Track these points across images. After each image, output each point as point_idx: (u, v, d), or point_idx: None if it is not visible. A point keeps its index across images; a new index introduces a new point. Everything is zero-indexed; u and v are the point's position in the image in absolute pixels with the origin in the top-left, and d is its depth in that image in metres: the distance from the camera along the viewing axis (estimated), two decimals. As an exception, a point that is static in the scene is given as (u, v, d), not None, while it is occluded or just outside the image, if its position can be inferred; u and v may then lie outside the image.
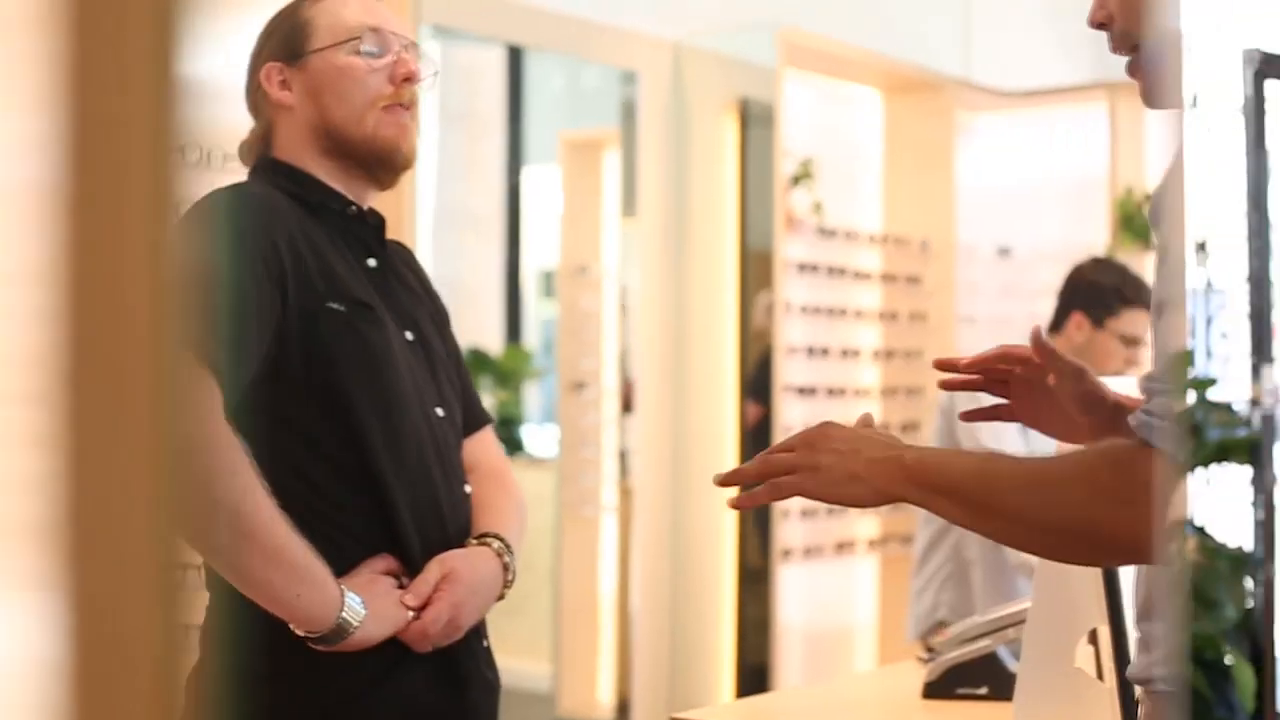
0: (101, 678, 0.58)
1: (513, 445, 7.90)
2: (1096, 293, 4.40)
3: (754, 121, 5.80)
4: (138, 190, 0.59)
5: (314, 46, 2.38)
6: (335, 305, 2.25)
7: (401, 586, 2.27)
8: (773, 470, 2.02)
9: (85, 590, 0.58)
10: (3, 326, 0.58)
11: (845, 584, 6.24)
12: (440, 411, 2.40)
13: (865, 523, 6.17)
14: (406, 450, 2.30)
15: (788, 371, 5.76)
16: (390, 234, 2.52)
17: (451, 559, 2.32)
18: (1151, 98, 2.13)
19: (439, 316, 2.55)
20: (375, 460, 2.26)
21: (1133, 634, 2.31)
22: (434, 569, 2.29)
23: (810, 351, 5.96)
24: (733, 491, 2.07)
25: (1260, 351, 4.35)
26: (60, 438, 0.57)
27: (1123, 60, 2.13)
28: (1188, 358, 1.89)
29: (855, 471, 1.96)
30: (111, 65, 0.58)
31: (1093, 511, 1.88)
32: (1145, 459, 1.84)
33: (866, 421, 2.10)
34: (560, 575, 6.56)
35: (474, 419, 2.56)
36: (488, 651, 2.46)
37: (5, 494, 0.58)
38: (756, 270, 5.80)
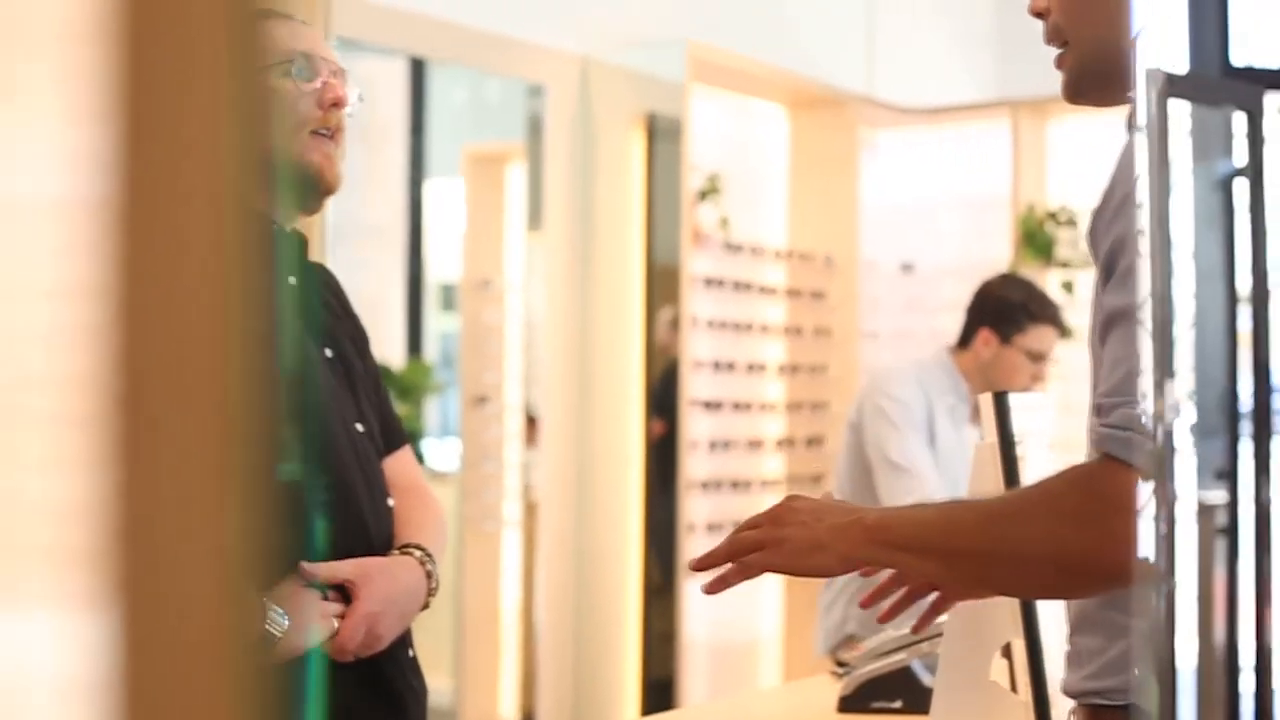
0: (157, 698, 0.56)
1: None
2: (1004, 309, 4.44)
3: (661, 136, 5.79)
4: (197, 205, 0.57)
5: None
6: None
7: (325, 598, 2.25)
8: (740, 550, 2.03)
9: (141, 612, 0.56)
10: (56, 345, 0.56)
11: (750, 599, 6.25)
12: (360, 427, 2.40)
13: (770, 538, 6.16)
14: (329, 463, 2.29)
15: (694, 386, 5.76)
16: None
17: (369, 568, 2.30)
18: (1070, 93, 2.16)
19: (359, 337, 2.56)
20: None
21: (1061, 647, 2.31)
22: (347, 571, 2.27)
23: (716, 366, 5.97)
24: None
25: (1163, 368, 4.38)
26: (113, 459, 0.56)
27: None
28: (1165, 365, 1.90)
29: (819, 540, 1.97)
30: (172, 77, 0.56)
31: (1060, 537, 1.88)
32: (1109, 475, 1.85)
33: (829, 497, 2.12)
34: (462, 590, 6.51)
35: (393, 438, 2.56)
36: (413, 661, 2.45)
37: (58, 516, 0.57)
38: (662, 285, 5.80)
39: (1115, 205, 1.95)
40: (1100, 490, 1.85)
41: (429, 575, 2.40)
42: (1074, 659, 2.09)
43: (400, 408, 8.30)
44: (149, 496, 0.55)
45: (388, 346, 8.60)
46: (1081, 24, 2.12)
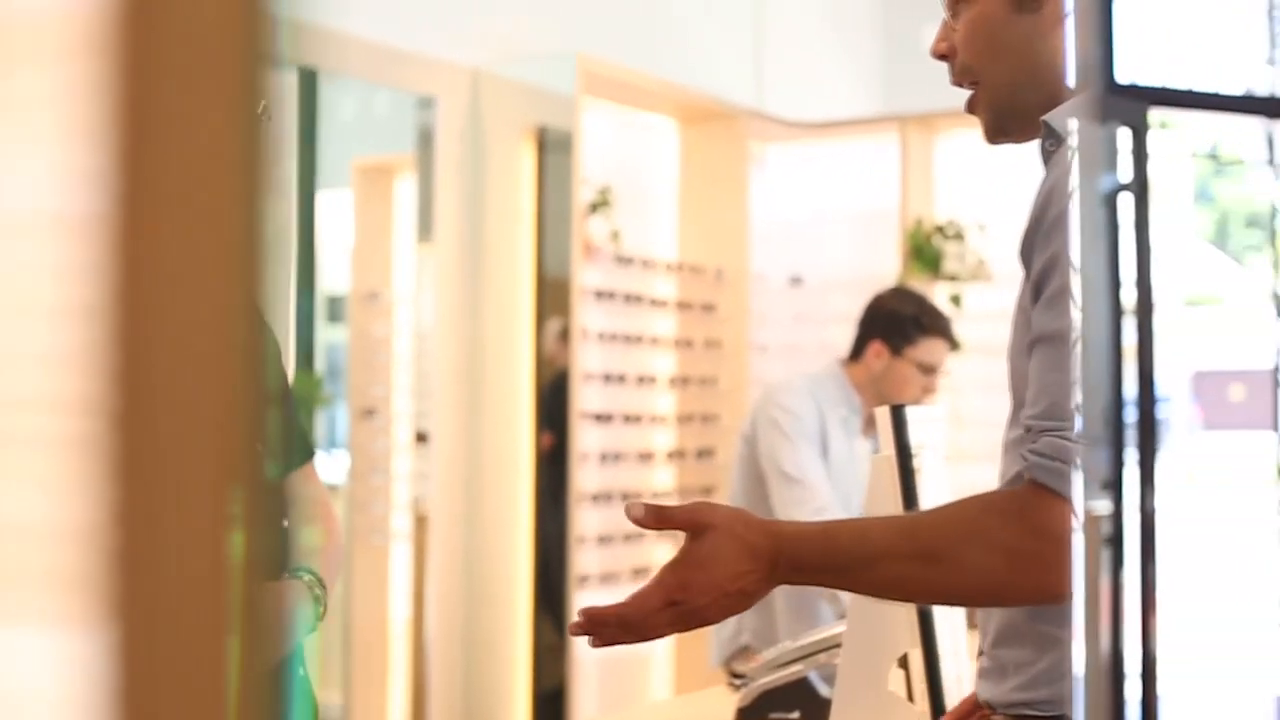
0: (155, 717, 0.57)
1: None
2: (895, 322, 4.48)
3: (552, 149, 5.80)
4: (200, 220, 0.57)
5: None
6: None
7: None
8: (660, 634, 2.02)
9: (138, 632, 0.56)
10: (54, 366, 0.56)
11: (641, 611, 6.25)
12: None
13: (662, 549, 6.19)
14: None
15: (584, 398, 5.76)
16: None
17: None
18: (988, 134, 2.17)
19: (275, 349, 2.53)
20: None
21: (967, 659, 2.34)
22: None
23: (607, 378, 5.98)
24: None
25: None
26: (114, 480, 0.56)
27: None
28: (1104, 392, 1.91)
29: (731, 607, 1.96)
30: (171, 91, 0.56)
31: (993, 569, 1.90)
32: (1042, 506, 1.87)
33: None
34: (351, 604, 6.48)
35: (298, 454, 2.54)
36: (305, 680, 2.43)
37: (55, 538, 0.56)
38: (553, 297, 5.80)
39: (1049, 224, 1.96)
40: (1034, 523, 1.87)
41: (316, 600, 2.38)
42: (997, 671, 2.10)
43: (291, 420, 8.25)
44: (146, 516, 0.56)
45: (276, 359, 8.54)
46: (993, 64, 2.14)
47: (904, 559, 1.93)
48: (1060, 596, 1.89)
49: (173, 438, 0.56)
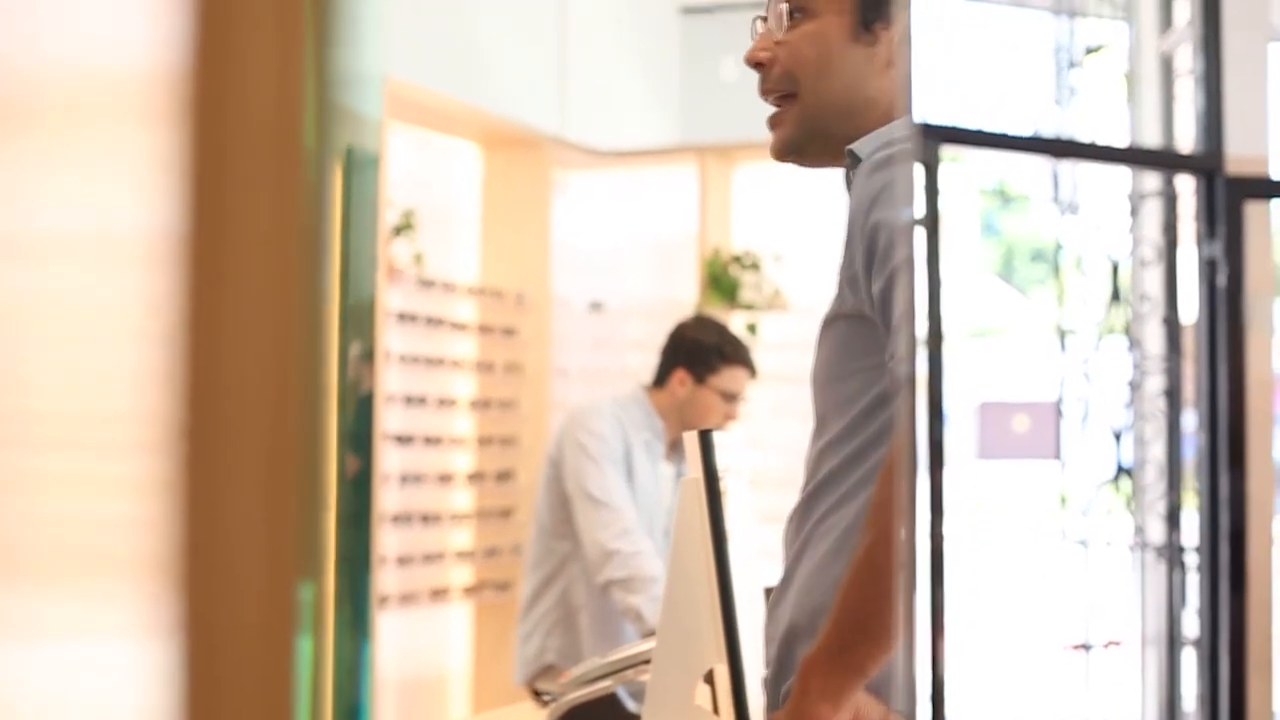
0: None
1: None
2: (698, 350, 4.58)
3: (356, 171, 5.80)
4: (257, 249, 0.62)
5: None
6: None
7: None
8: None
9: (200, 639, 0.60)
10: (124, 383, 0.61)
11: (440, 631, 6.29)
12: None
13: (460, 570, 6.22)
14: None
15: (385, 420, 5.78)
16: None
17: None
18: (785, 151, 2.22)
19: None
20: None
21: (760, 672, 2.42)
22: None
23: (408, 400, 6.00)
24: None
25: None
26: (178, 489, 0.60)
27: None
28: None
29: None
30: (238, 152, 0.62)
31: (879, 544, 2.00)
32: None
33: None
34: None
35: None
36: None
37: (121, 540, 0.61)
38: (356, 320, 5.80)
39: (883, 251, 2.01)
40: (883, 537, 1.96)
41: None
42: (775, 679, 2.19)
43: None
44: (213, 519, 0.60)
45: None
46: (818, 82, 2.16)
47: (856, 625, 2.05)
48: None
49: (237, 445, 0.61)
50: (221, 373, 0.63)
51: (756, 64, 2.20)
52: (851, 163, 2.14)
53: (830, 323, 2.16)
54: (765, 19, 2.22)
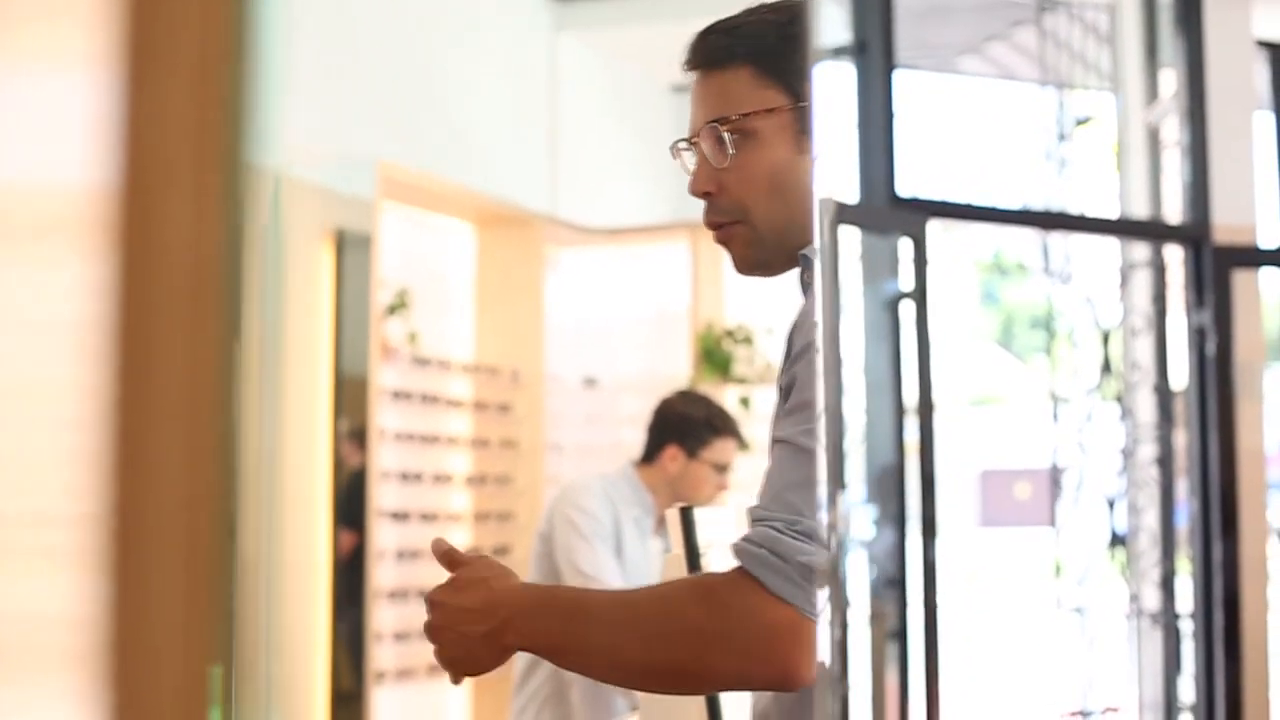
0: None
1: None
2: (688, 425, 4.60)
3: (350, 250, 5.85)
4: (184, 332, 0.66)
5: None
6: None
7: None
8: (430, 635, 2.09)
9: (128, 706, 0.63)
10: (49, 456, 0.64)
11: (439, 706, 6.29)
12: None
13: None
14: None
15: (381, 497, 5.80)
16: None
17: None
18: (747, 267, 2.23)
19: None
20: None
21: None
22: None
23: (404, 477, 6.03)
24: None
25: (834, 479, 4.60)
26: (105, 559, 0.63)
27: (701, 202, 2.22)
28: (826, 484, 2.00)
29: (472, 653, 2.03)
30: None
31: (682, 651, 1.93)
32: (736, 591, 1.89)
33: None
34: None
35: None
36: None
37: (47, 622, 0.64)
38: (350, 397, 5.84)
39: (796, 351, 2.04)
40: (725, 604, 1.90)
41: None
42: None
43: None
44: (137, 606, 0.63)
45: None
46: (771, 204, 2.16)
47: (612, 626, 1.98)
48: (769, 682, 1.97)
49: (153, 536, 0.65)
50: (145, 463, 0.66)
51: (703, 194, 2.19)
52: (804, 265, 2.15)
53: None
54: (691, 143, 2.22)
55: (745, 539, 1.91)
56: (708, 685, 2.05)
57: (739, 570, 1.90)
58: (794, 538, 1.87)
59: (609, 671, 2.08)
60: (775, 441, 1.98)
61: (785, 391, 2.01)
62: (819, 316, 2.03)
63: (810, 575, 1.86)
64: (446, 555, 2.09)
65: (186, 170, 0.70)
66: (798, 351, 2.02)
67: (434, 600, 2.07)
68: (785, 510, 1.91)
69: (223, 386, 0.67)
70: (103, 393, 0.64)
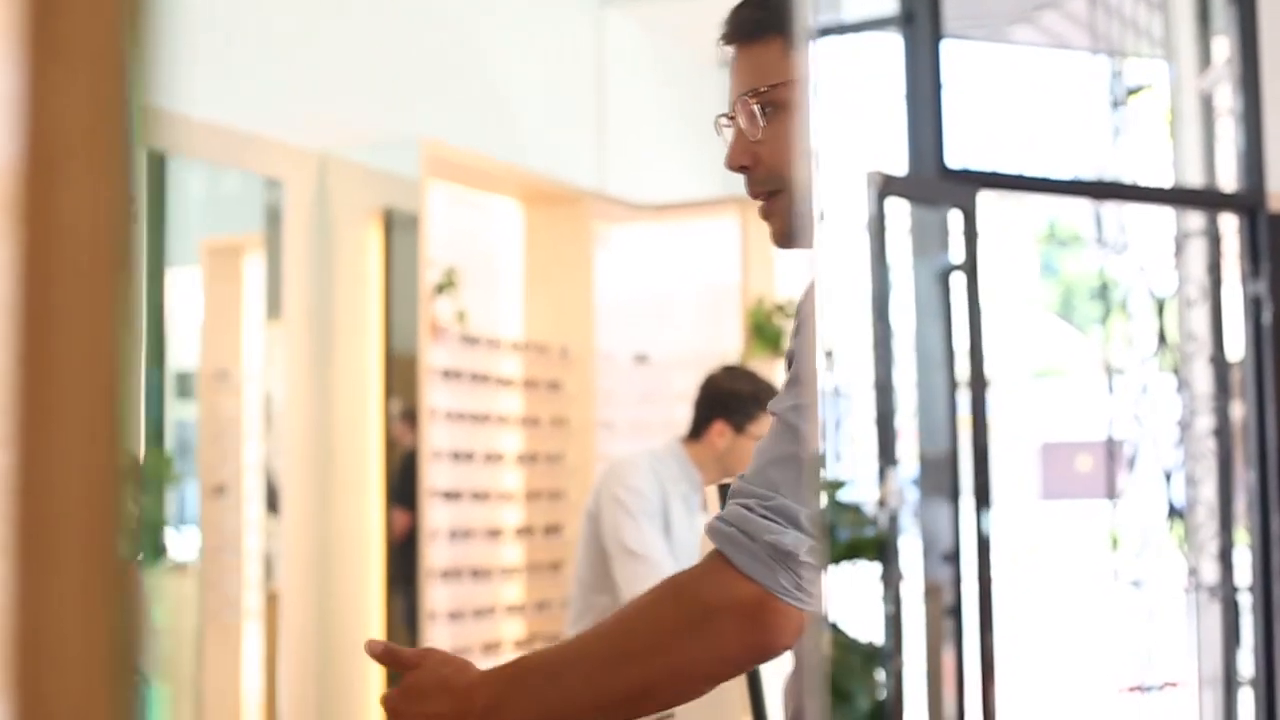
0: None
1: (158, 550, 7.73)
2: (736, 401, 4.58)
3: (398, 230, 5.85)
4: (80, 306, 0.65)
5: None
6: None
7: None
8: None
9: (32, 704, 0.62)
10: None
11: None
12: None
13: (511, 624, 6.23)
14: None
15: (433, 476, 5.80)
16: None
17: None
18: (786, 240, 2.22)
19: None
20: None
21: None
22: None
23: (455, 456, 6.02)
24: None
25: (886, 455, 4.55)
26: (9, 547, 0.62)
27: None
28: (819, 461, 1.98)
29: None
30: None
31: (661, 657, 1.89)
32: (709, 571, 1.89)
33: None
34: (202, 682, 6.44)
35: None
36: None
37: None
38: (400, 376, 5.84)
39: (797, 324, 2.04)
40: (693, 595, 1.89)
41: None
42: None
43: (143, 498, 8.16)
44: (40, 602, 0.62)
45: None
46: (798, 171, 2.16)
47: (588, 671, 1.92)
48: (745, 657, 1.93)
49: (57, 517, 0.63)
50: (49, 448, 0.64)
51: (741, 168, 2.19)
52: None
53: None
54: (730, 118, 2.21)
55: (718, 517, 1.91)
56: (700, 679, 1.95)
57: (713, 551, 1.90)
58: (764, 516, 1.87)
59: (606, 713, 2.02)
60: (771, 413, 1.99)
61: (789, 364, 2.02)
62: (819, 284, 2.02)
63: (779, 554, 1.84)
64: (387, 655, 2.02)
65: (83, 149, 0.69)
66: (797, 324, 2.03)
67: (394, 711, 1.97)
68: (764, 485, 1.90)
69: (122, 370, 0.66)
70: (6, 377, 0.63)
